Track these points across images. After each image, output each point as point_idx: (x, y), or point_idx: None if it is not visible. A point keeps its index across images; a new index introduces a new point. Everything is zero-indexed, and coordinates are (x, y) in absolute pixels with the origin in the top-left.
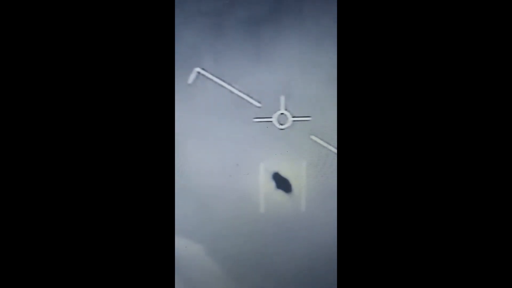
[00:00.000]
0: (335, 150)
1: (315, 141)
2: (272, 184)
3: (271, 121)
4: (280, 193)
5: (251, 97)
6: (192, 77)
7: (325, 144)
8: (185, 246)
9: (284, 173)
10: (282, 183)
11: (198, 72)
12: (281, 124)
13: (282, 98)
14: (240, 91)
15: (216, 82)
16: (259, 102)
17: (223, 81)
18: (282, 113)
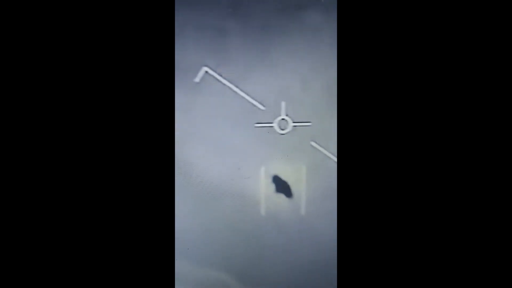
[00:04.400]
0: (332, 156)
1: (315, 147)
2: (273, 187)
3: (272, 126)
4: (281, 197)
5: (256, 100)
6: (199, 75)
7: (324, 151)
8: (187, 248)
9: (285, 177)
10: (282, 186)
11: (206, 72)
12: (282, 129)
13: (283, 104)
14: (245, 93)
15: (222, 83)
16: (263, 105)
17: (230, 82)
18: (283, 119)
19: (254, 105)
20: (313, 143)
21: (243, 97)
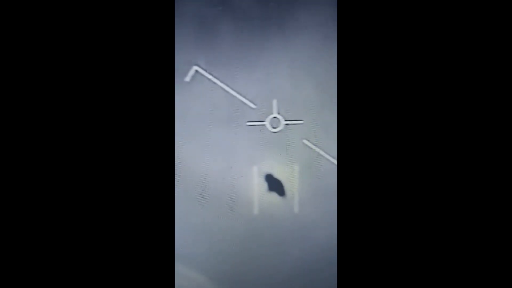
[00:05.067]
0: (325, 154)
1: (307, 145)
2: (265, 186)
3: (264, 125)
4: (273, 195)
5: (246, 98)
6: (190, 74)
7: (316, 149)
8: (180, 248)
9: (277, 175)
10: (275, 185)
11: (196, 71)
12: (274, 128)
13: (275, 102)
14: (236, 91)
15: (213, 82)
16: (254, 103)
17: (220, 80)
18: (274, 117)
19: (245, 104)
20: (305, 141)
21: (234, 96)
